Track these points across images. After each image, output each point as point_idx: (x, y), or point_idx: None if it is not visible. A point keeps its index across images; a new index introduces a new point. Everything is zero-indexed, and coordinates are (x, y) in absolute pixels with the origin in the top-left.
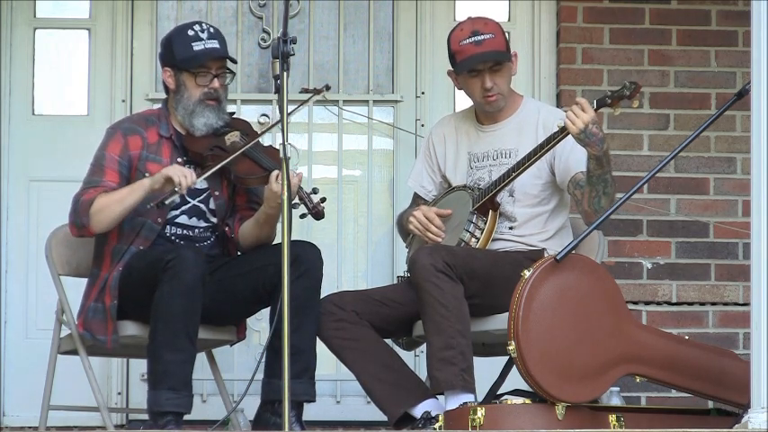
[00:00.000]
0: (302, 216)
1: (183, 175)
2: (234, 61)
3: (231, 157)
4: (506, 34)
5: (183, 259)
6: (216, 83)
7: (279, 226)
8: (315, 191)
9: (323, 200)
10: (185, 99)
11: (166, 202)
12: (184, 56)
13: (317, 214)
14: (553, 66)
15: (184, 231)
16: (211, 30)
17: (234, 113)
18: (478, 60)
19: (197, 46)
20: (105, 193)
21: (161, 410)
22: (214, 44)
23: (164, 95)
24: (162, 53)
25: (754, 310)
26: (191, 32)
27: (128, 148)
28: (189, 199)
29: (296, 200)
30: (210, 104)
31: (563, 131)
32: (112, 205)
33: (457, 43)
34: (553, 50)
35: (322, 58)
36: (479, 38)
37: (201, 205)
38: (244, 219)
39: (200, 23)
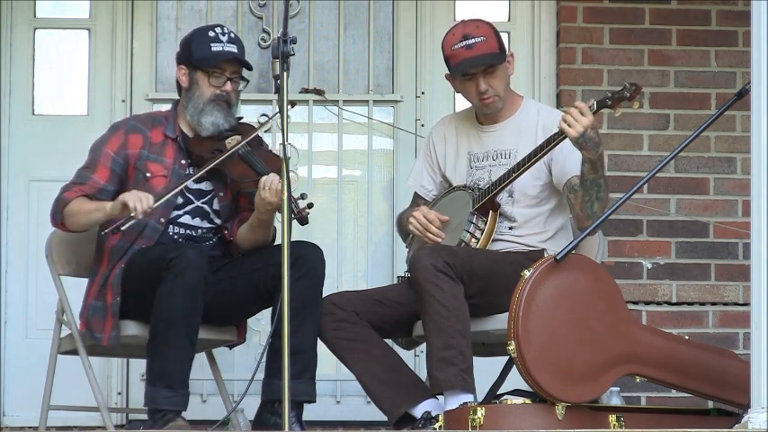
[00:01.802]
0: None
1: (139, 200)
2: (249, 68)
3: (222, 156)
4: (500, 35)
5: (185, 258)
6: (228, 86)
7: (279, 227)
8: (303, 196)
9: (310, 205)
10: (196, 97)
11: (122, 228)
12: (201, 55)
13: (302, 219)
14: (553, 66)
15: (187, 231)
16: (232, 35)
17: (242, 118)
18: (469, 65)
19: (215, 47)
20: (82, 199)
21: (157, 408)
22: (233, 48)
23: (164, 96)
24: (179, 52)
25: (754, 310)
26: (211, 33)
27: (126, 146)
28: (193, 200)
29: None
30: (220, 106)
31: (563, 133)
32: (80, 215)
33: (449, 48)
34: (553, 50)
35: (322, 58)
36: (470, 41)
37: (205, 206)
38: (243, 221)
39: (222, 27)
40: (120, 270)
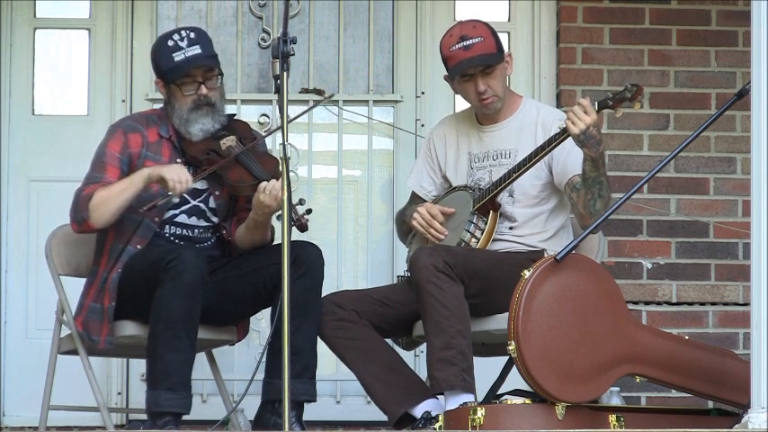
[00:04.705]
0: None
1: (179, 181)
2: (217, 65)
3: (222, 162)
4: (498, 35)
5: (183, 259)
6: (203, 89)
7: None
8: (301, 202)
9: (308, 211)
10: (177, 109)
11: (158, 205)
12: (167, 67)
13: (301, 227)
14: (553, 66)
15: (184, 231)
16: (192, 35)
17: (234, 115)
18: (467, 66)
19: (177, 56)
20: (104, 187)
21: (160, 411)
22: (195, 51)
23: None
24: (152, 64)
25: (754, 310)
26: (170, 43)
27: (128, 145)
28: (189, 199)
29: (280, 211)
30: (203, 110)
31: (564, 132)
32: (111, 198)
33: (447, 49)
34: (553, 50)
35: (322, 58)
36: (468, 42)
37: (201, 205)
38: (241, 220)
39: (179, 31)
40: (118, 274)
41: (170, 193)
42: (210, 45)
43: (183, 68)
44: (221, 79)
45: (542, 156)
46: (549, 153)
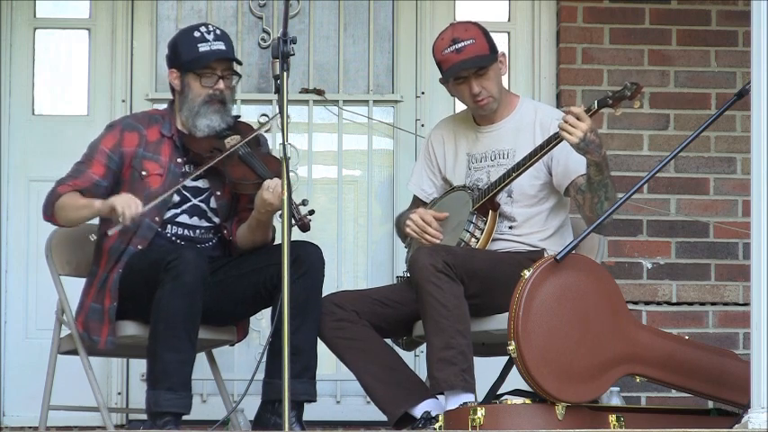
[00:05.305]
0: None
1: (128, 206)
2: (239, 63)
3: (222, 156)
4: (491, 36)
5: (184, 260)
6: (221, 84)
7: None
8: (304, 203)
9: (311, 212)
10: (190, 100)
11: (109, 233)
12: (190, 57)
13: (304, 227)
14: (553, 66)
15: (185, 231)
16: (218, 32)
17: (239, 117)
18: (460, 68)
19: (203, 47)
20: (74, 194)
21: (160, 411)
22: (220, 46)
23: (164, 96)
24: (168, 55)
25: (754, 310)
26: (197, 34)
27: (121, 144)
28: (190, 197)
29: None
30: (215, 106)
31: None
32: (69, 209)
33: (439, 53)
34: (553, 50)
35: (322, 58)
36: (459, 45)
37: (202, 204)
38: (242, 220)
39: (206, 25)
40: (118, 274)
41: (120, 220)
42: (233, 46)
43: (207, 59)
44: (237, 81)
45: (541, 155)
46: (549, 153)
